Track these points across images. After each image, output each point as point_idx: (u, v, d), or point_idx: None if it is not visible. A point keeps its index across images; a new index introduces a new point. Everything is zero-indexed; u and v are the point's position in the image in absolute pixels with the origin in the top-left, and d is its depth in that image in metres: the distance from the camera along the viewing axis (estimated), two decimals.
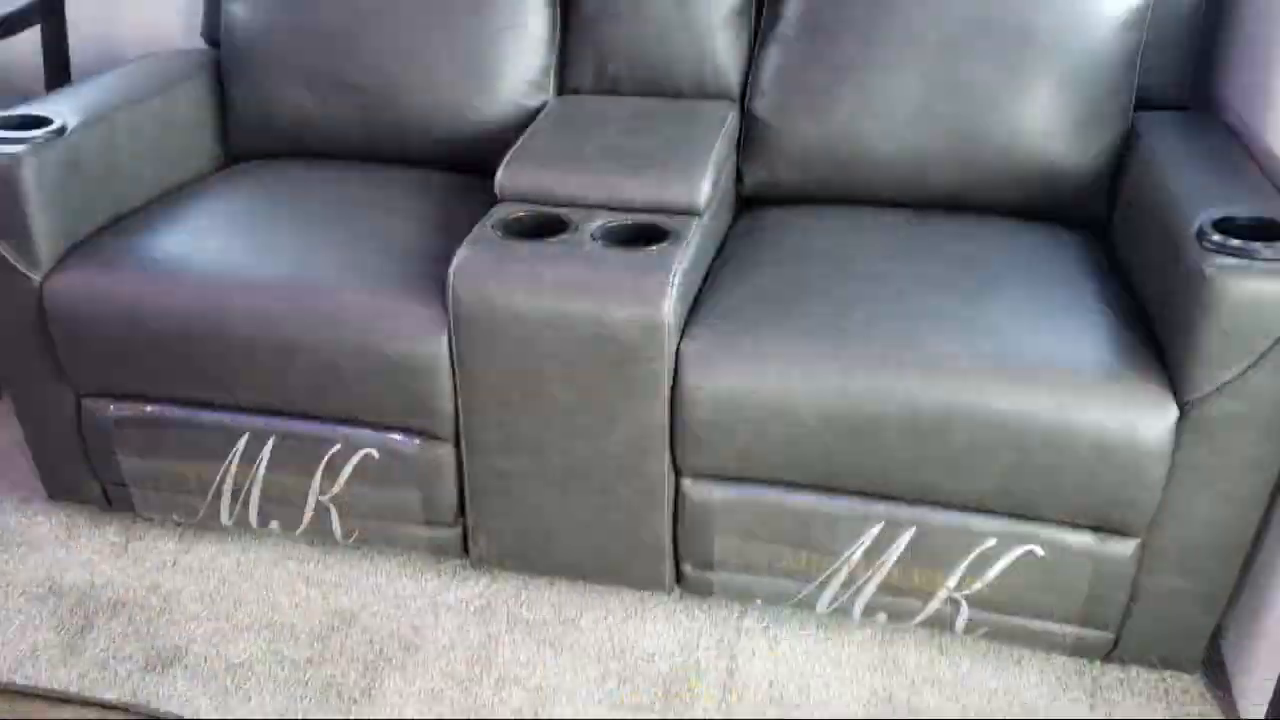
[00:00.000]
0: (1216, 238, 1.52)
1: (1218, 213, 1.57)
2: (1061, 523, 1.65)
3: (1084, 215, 2.00)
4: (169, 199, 2.10)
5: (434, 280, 1.79)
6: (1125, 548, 1.65)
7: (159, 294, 1.84)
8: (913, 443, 1.62)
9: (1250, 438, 1.54)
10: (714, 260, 1.93)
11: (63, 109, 1.96)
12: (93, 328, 1.87)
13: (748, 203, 2.16)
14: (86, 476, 2.05)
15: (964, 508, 1.68)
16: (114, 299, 1.85)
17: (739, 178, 2.14)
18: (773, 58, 2.09)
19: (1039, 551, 1.67)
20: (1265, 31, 1.92)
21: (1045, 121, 1.94)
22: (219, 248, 1.91)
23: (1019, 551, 1.68)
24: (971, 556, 1.70)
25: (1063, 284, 1.77)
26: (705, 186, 1.85)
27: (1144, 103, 2.01)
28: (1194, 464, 1.57)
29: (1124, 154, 1.96)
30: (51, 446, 2.04)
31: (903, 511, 1.70)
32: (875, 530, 1.72)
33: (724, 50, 2.14)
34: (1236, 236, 1.51)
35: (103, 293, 1.86)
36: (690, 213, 1.84)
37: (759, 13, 2.15)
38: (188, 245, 1.92)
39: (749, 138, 2.12)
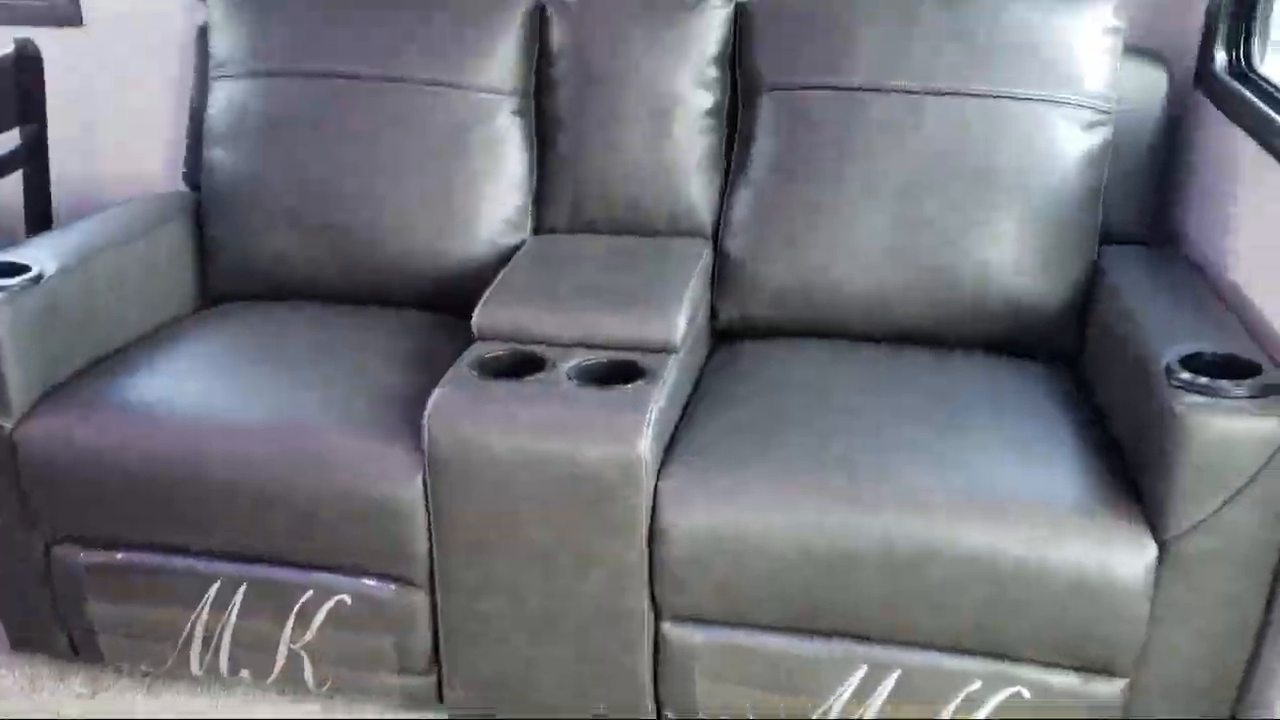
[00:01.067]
0: (1185, 375, 1.53)
1: (1185, 349, 1.60)
2: (1044, 663, 1.63)
3: (1055, 349, 2.02)
4: (148, 341, 2.11)
5: (410, 422, 1.78)
6: (1113, 688, 1.62)
7: (135, 439, 1.83)
8: (890, 578, 1.61)
9: (1227, 574, 1.53)
10: (690, 395, 1.94)
11: (41, 255, 1.98)
12: (67, 475, 1.85)
13: (723, 336, 2.18)
14: (53, 625, 2.00)
15: (946, 648, 1.65)
16: (89, 445, 1.84)
17: (714, 313, 2.16)
18: (744, 197, 2.14)
19: (1025, 693, 1.64)
20: (1219, 170, 1.98)
21: (1012, 258, 1.98)
22: (197, 391, 1.91)
23: (1006, 693, 1.65)
24: (958, 700, 1.67)
25: (1035, 417, 1.78)
26: (680, 323, 1.87)
27: (1107, 237, 2.06)
28: (1173, 601, 1.56)
29: (1091, 288, 2.00)
30: (17, 594, 2.00)
31: (886, 654, 1.68)
32: (860, 674, 1.69)
33: (697, 190, 2.19)
34: (1204, 373, 1.53)
35: (78, 439, 1.84)
36: (666, 350, 1.85)
37: (730, 154, 2.20)
38: (165, 389, 1.92)
39: (723, 274, 2.15)
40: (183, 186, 2.44)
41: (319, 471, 1.77)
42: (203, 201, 2.31)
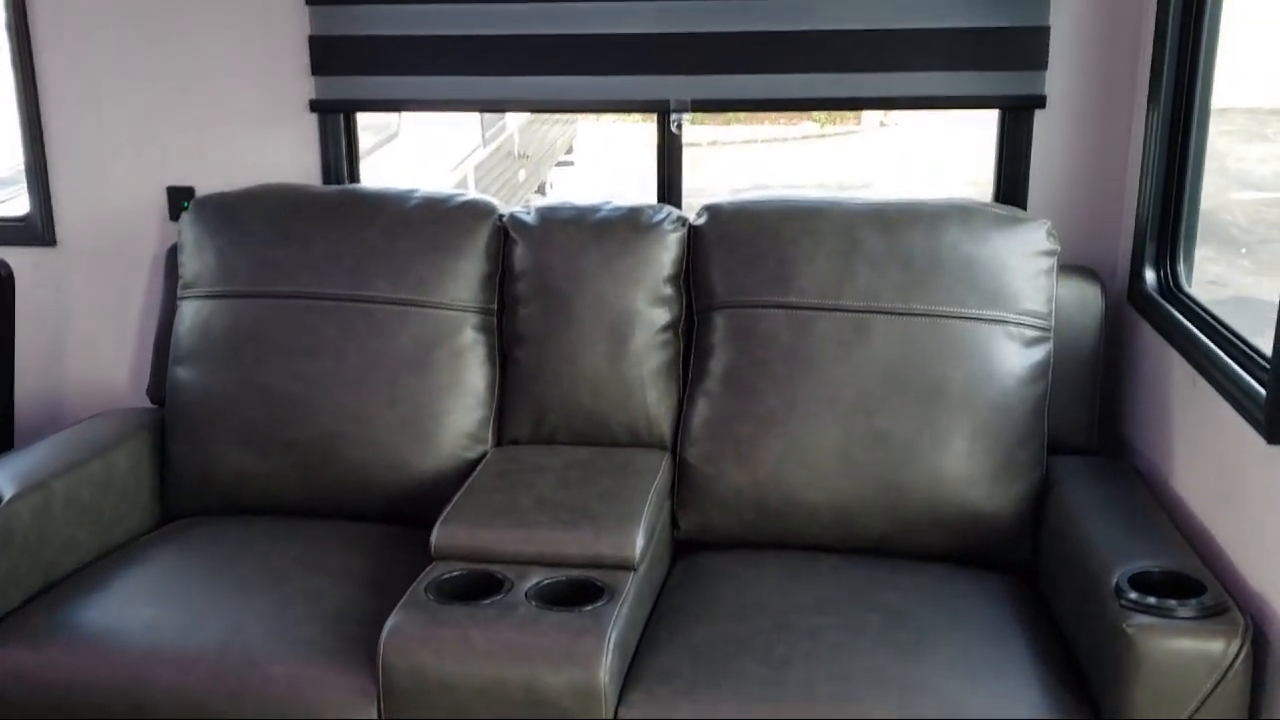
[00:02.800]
0: (1133, 595, 1.56)
1: (1133, 567, 1.62)
2: None
3: (1009, 559, 2.05)
4: (102, 563, 2.09)
5: (365, 646, 1.76)
6: None
7: (82, 673, 1.79)
8: None
9: None
10: (652, 610, 1.94)
11: None
12: (14, 710, 1.80)
13: (684, 547, 2.19)
14: None
15: None
16: (38, 679, 1.80)
17: (674, 523, 2.18)
18: (701, 410, 2.18)
19: None
20: (1155, 385, 2.06)
21: (963, 470, 2.03)
22: (146, 619, 1.88)
23: None
24: None
25: (996, 637, 1.79)
26: (639, 541, 1.88)
27: (1057, 447, 2.12)
28: None
29: (1042, 499, 2.04)
30: None
31: None
32: None
33: (655, 402, 2.23)
34: (1152, 592, 1.56)
35: (25, 672, 1.81)
36: (625, 567, 1.86)
37: (687, 368, 2.26)
38: (115, 617, 1.89)
39: (683, 484, 2.17)
40: (147, 402, 2.46)
41: (267, 706, 1.73)
42: (166, 418, 2.33)
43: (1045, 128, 2.30)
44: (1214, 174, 2.18)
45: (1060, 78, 2.27)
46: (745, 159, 9.80)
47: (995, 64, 2.27)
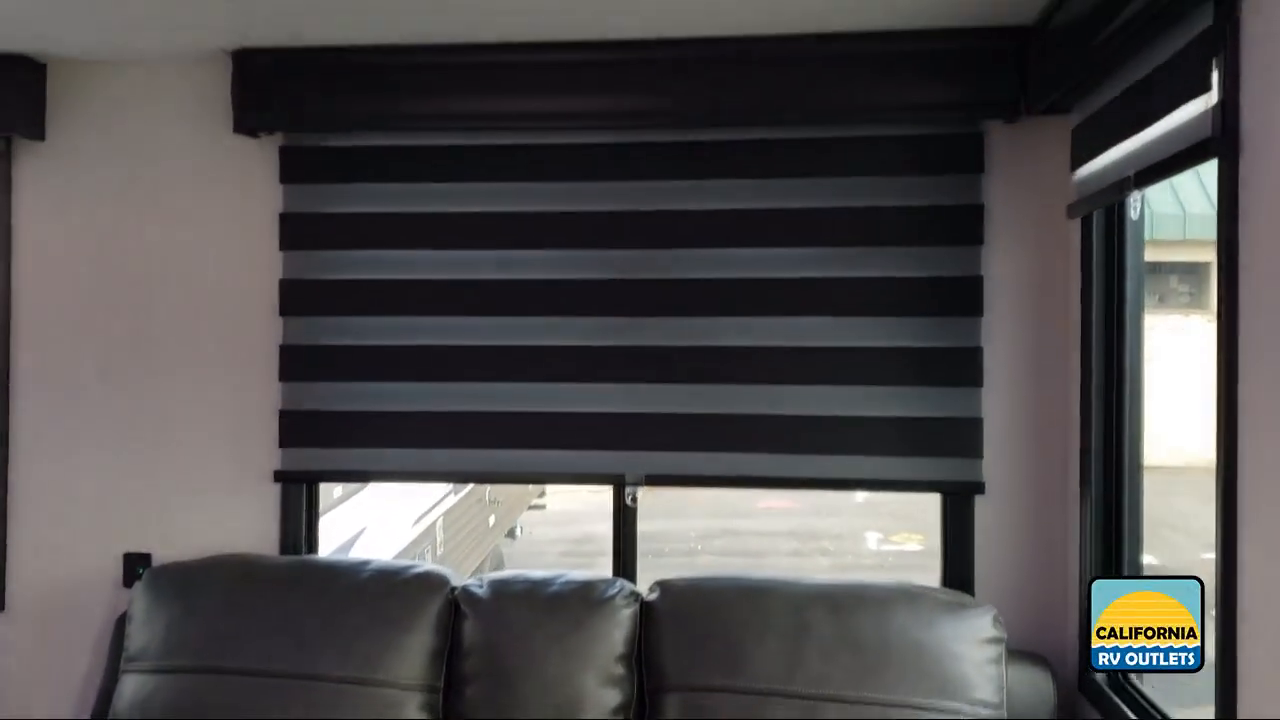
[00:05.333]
0: None
1: None
2: None
3: None
4: None
5: None
6: None
7: None
8: None
9: None
10: None
11: None
12: None
13: None
14: None
15: None
16: None
17: None
18: None
19: None
20: None
21: None
22: None
23: None
24: None
25: None
26: None
27: None
28: None
29: None
30: None
31: None
32: None
33: None
34: None
35: None
36: None
37: None
38: None
39: None
40: None
41: None
42: None
43: (986, 512, 2.37)
44: (1182, 534, 2.22)
45: (997, 465, 2.36)
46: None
47: (934, 450, 2.38)
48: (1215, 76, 1.52)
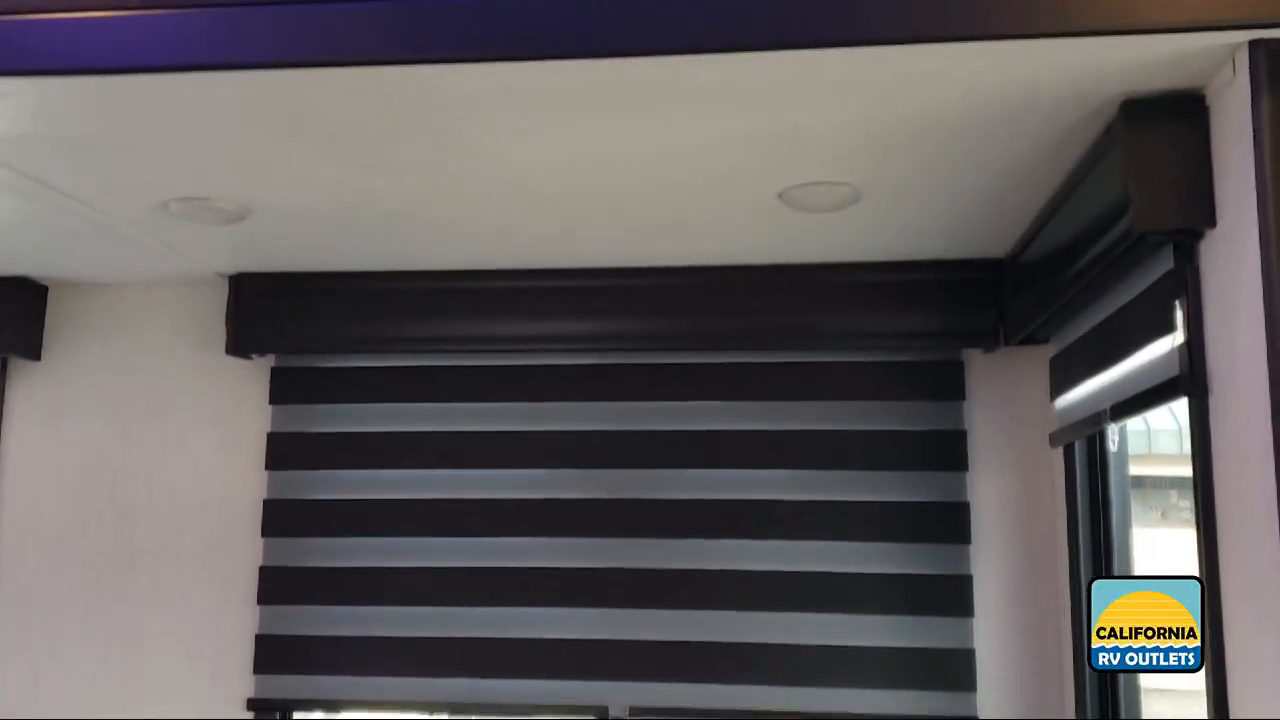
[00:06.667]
0: None
1: None
2: None
3: None
4: None
5: None
6: None
7: None
8: None
9: None
10: None
11: None
12: None
13: None
14: None
15: None
16: None
17: None
18: None
19: None
20: None
21: None
22: None
23: None
24: None
25: None
26: None
27: None
28: None
29: None
30: None
31: None
32: None
33: None
34: None
35: None
36: None
37: None
38: None
39: None
40: None
41: None
42: None
43: None
44: None
45: (992, 699, 2.28)
46: None
47: (926, 684, 2.30)
48: (1179, 317, 1.54)
